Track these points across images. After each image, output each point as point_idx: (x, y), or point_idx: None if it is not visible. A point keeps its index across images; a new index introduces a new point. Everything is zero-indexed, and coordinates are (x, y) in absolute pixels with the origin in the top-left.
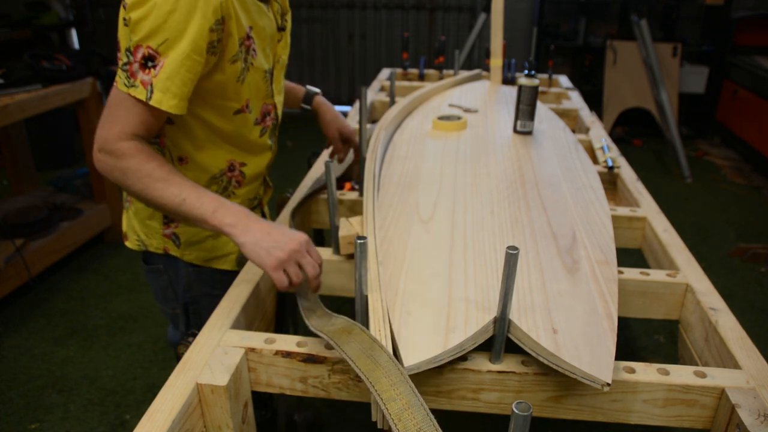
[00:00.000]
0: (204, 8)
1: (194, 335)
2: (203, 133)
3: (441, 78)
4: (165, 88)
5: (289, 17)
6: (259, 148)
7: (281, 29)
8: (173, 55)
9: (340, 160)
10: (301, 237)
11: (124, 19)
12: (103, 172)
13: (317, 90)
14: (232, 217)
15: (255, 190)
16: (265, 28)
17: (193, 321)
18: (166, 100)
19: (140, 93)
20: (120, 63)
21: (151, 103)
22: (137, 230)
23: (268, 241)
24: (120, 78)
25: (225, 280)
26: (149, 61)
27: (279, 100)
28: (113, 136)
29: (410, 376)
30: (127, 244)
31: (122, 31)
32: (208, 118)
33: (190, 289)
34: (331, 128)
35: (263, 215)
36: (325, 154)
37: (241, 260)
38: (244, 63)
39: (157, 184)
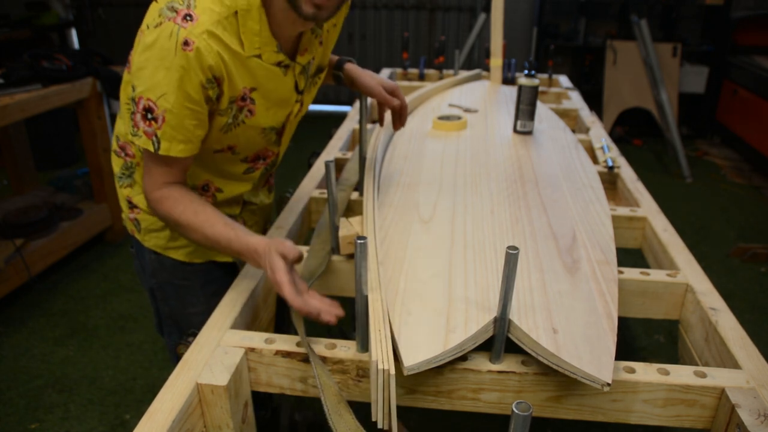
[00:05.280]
0: (195, 67)
1: (194, 335)
2: None
3: (441, 78)
4: (171, 137)
5: (333, 34)
6: (242, 180)
7: (300, 92)
8: (172, 108)
9: (394, 109)
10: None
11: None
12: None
13: (349, 58)
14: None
15: (230, 211)
16: (276, 91)
17: (161, 308)
18: (173, 147)
19: (146, 143)
20: (128, 108)
21: (160, 153)
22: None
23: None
24: (129, 125)
25: (187, 270)
26: (149, 113)
27: (284, 148)
28: (147, 187)
29: (410, 375)
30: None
31: (133, 55)
32: None
33: (154, 275)
34: (373, 84)
35: None
36: (326, 155)
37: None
38: (232, 119)
39: (187, 231)
